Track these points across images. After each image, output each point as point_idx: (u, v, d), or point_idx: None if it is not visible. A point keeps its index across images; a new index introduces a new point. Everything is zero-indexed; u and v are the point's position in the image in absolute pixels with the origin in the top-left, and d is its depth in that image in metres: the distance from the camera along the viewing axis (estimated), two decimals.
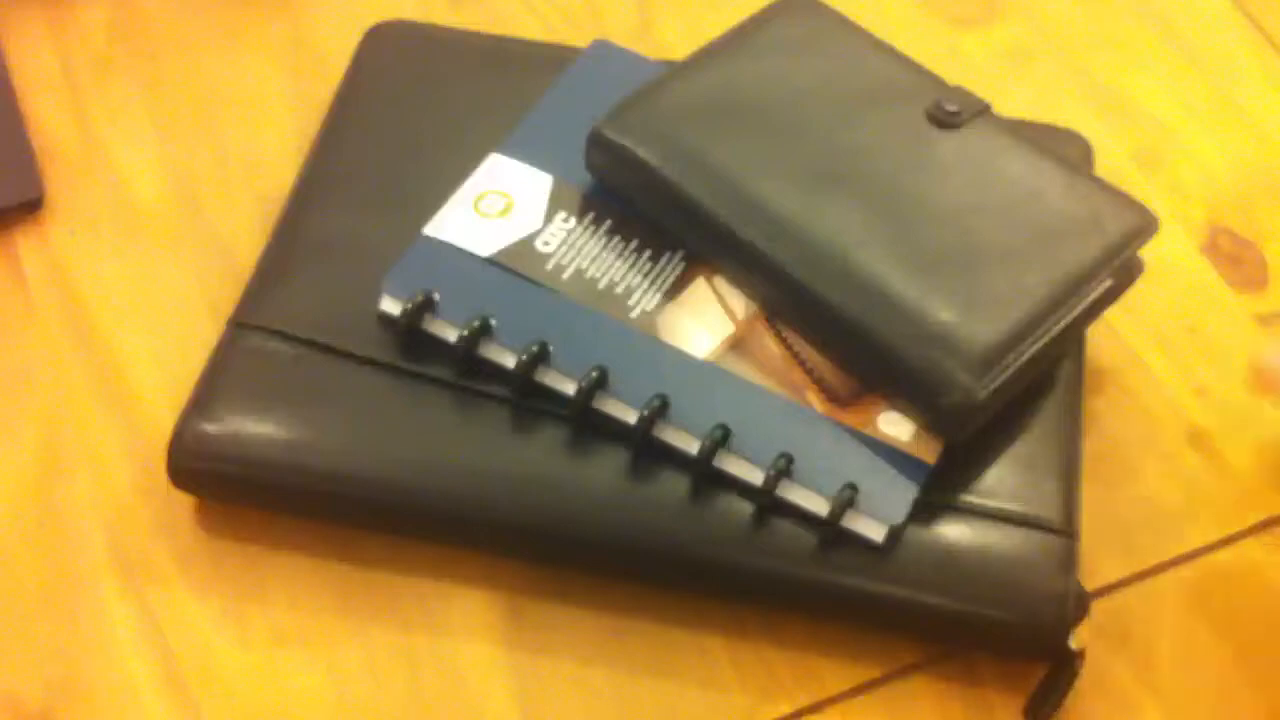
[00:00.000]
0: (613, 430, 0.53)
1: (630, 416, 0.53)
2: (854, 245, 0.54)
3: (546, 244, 0.56)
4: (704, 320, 0.55)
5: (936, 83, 0.59)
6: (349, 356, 0.55)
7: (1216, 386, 0.61)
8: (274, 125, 0.65)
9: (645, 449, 0.53)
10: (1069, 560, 0.52)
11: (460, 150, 0.59)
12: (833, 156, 0.56)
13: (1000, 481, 0.54)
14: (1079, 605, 0.51)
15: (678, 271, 0.56)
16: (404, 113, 0.62)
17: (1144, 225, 0.56)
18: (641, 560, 0.53)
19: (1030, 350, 0.53)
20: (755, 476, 0.52)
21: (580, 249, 0.56)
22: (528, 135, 0.60)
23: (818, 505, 0.52)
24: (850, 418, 0.53)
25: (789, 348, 0.55)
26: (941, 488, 0.53)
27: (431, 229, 0.57)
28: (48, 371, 0.58)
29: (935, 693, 0.53)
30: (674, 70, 0.59)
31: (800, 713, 0.52)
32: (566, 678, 0.52)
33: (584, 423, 0.53)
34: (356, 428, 0.54)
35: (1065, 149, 0.62)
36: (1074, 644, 0.51)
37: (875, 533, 0.52)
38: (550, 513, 0.52)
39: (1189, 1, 0.73)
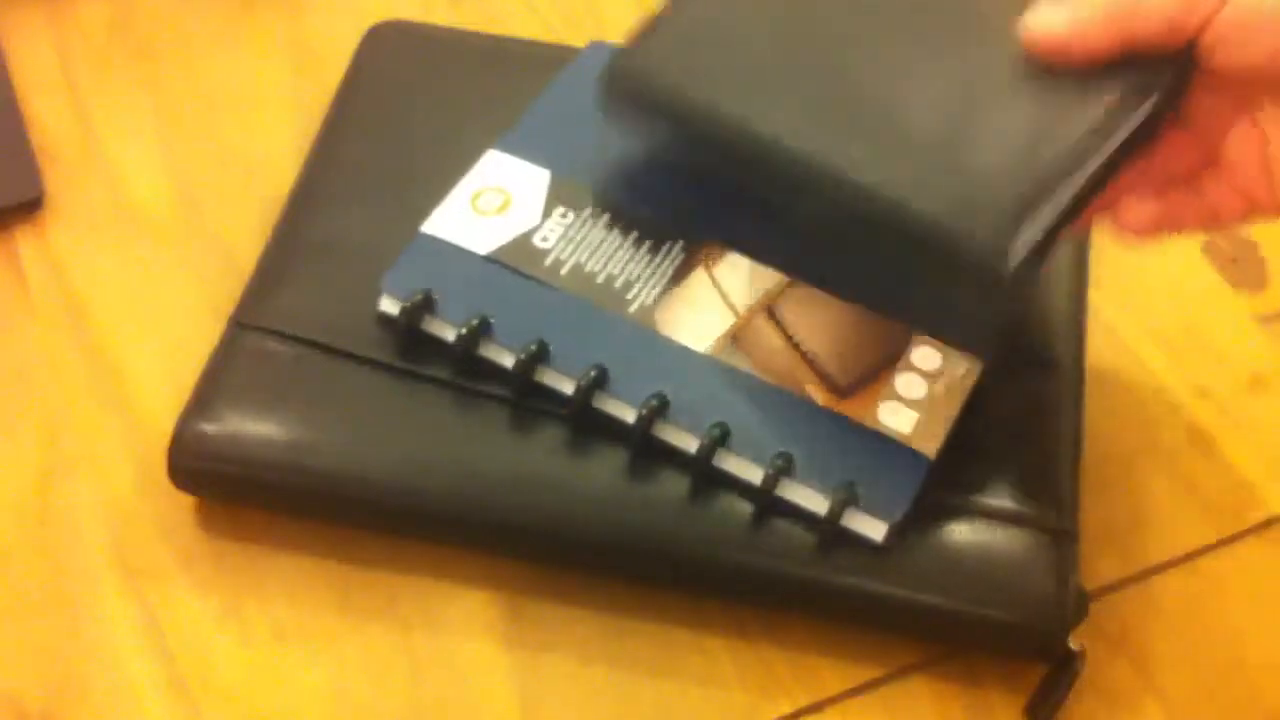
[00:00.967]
0: (612, 429, 0.53)
1: (629, 415, 0.53)
2: (886, 122, 0.50)
3: (545, 239, 0.56)
4: (704, 313, 0.55)
5: None
6: (349, 356, 0.55)
7: (1216, 386, 0.61)
8: (274, 125, 0.65)
9: (644, 448, 0.53)
10: (1069, 560, 0.52)
11: (461, 150, 0.59)
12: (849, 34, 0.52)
13: (1000, 482, 0.54)
14: (1079, 605, 0.51)
15: (677, 262, 0.56)
16: (404, 112, 0.62)
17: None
18: (641, 560, 0.53)
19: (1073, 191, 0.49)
20: (754, 475, 0.52)
21: (578, 243, 0.56)
22: (525, 132, 0.60)
23: (817, 504, 0.52)
24: (851, 409, 0.53)
25: (790, 338, 0.55)
26: (942, 488, 0.53)
27: (429, 227, 0.57)
28: (48, 371, 0.58)
29: (935, 693, 0.53)
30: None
31: (800, 712, 0.52)
32: (566, 677, 0.52)
33: (583, 422, 0.53)
34: (356, 428, 0.54)
35: None
36: (1074, 644, 0.51)
37: (875, 531, 0.52)
38: (550, 512, 0.52)
39: None
